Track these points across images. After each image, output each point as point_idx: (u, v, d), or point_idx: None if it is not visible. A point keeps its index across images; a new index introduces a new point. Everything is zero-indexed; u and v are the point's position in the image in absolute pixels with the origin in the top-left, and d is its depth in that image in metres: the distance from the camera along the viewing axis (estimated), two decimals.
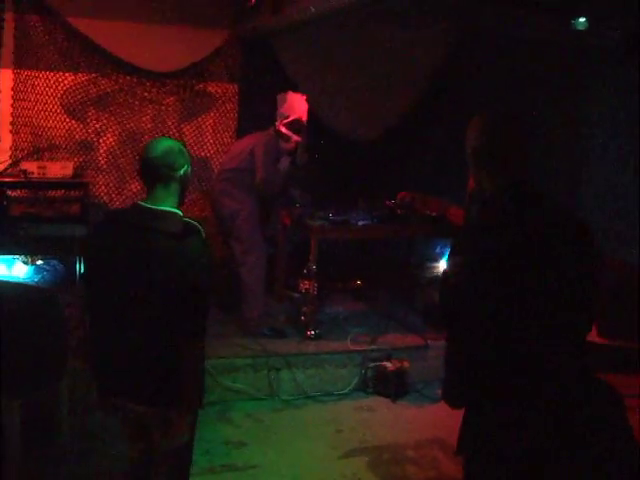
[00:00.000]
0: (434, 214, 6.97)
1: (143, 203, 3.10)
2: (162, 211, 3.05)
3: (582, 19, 7.54)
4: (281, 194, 6.78)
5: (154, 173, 3.09)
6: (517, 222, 2.47)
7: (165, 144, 3.15)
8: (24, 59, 6.61)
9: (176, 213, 3.09)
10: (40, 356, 4.46)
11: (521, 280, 2.40)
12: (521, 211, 2.50)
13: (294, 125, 6.36)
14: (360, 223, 6.64)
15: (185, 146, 3.28)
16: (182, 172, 3.14)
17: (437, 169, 8.41)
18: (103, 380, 3.22)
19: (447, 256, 2.55)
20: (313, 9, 6.05)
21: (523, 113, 8.27)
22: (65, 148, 6.83)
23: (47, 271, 6.63)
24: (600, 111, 8.49)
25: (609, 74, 8.22)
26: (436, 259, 8.53)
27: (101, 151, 7.06)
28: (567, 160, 8.68)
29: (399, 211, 6.90)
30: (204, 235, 3.11)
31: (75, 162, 6.62)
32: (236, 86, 7.52)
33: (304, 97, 6.57)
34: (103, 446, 4.77)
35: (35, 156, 6.63)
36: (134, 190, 7.14)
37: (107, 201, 7.07)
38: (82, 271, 5.63)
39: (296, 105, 6.47)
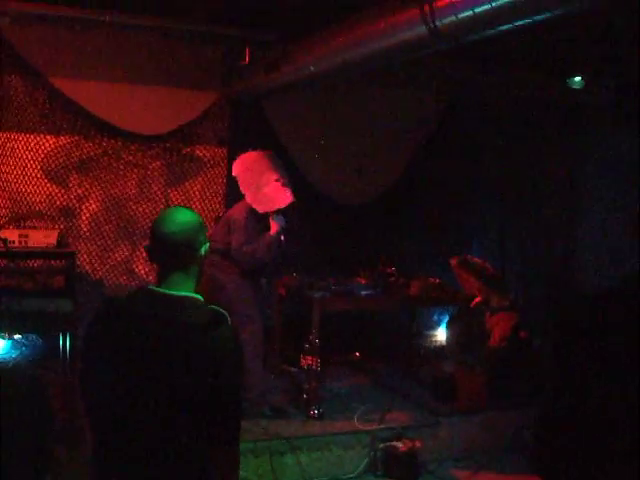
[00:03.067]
0: (437, 280, 6.71)
1: (156, 288, 2.53)
2: (182, 297, 2.50)
3: (577, 78, 7.46)
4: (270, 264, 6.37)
5: (172, 253, 2.53)
6: None
7: (184, 217, 2.57)
8: (3, 121, 6.29)
9: (199, 299, 2.53)
10: (22, 445, 4.01)
11: None
12: None
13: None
14: (363, 293, 6.28)
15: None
16: (203, 251, 2.59)
17: (433, 233, 8.17)
18: None
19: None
20: (312, 68, 5.76)
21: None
22: (46, 215, 6.43)
23: (25, 346, 6.18)
24: (597, 174, 8.29)
25: (606, 134, 8.04)
26: (434, 327, 8.25)
27: (83, 218, 6.68)
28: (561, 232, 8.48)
29: (402, 279, 6.56)
30: (230, 323, 2.51)
31: (59, 231, 6.18)
32: (225, 149, 7.23)
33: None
34: None
35: (15, 224, 6.20)
36: (118, 259, 6.77)
37: (90, 271, 6.66)
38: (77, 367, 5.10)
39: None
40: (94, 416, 2.54)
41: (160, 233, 2.52)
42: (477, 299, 6.68)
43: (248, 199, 5.85)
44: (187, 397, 2.36)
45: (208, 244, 2.62)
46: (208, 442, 2.41)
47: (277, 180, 6.01)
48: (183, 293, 2.50)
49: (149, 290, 2.54)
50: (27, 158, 6.43)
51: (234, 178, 6.03)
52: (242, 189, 5.90)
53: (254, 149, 6.14)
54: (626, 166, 7.34)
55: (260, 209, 5.84)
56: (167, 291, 2.49)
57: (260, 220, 5.90)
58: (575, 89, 7.56)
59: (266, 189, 5.94)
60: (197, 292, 2.56)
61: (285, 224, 5.92)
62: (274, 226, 5.88)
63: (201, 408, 2.36)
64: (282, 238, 5.97)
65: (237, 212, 5.95)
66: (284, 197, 5.97)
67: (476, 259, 7.09)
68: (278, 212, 5.90)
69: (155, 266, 2.67)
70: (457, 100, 7.91)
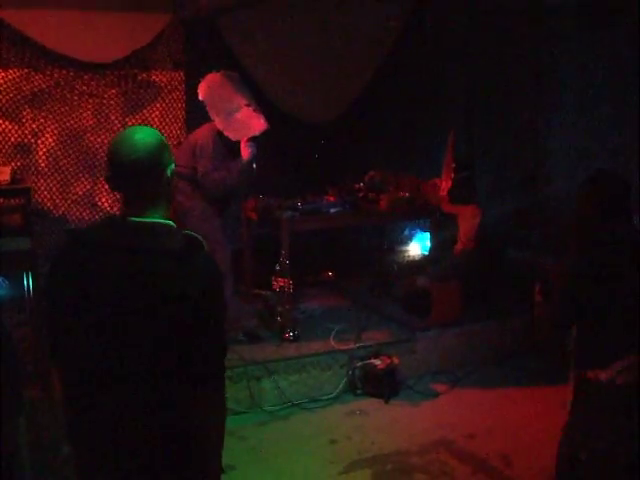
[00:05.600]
0: (407, 193, 6.55)
1: (125, 216, 2.30)
2: (153, 224, 2.28)
3: None
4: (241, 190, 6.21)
5: (135, 178, 2.28)
6: None
7: (144, 139, 2.29)
8: None
9: (171, 225, 2.32)
10: None
11: None
12: None
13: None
14: (332, 211, 6.16)
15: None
16: (169, 173, 2.35)
17: (399, 147, 8.02)
18: (87, 455, 2.35)
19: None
20: None
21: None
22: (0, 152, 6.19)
23: None
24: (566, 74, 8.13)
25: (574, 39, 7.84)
26: (406, 242, 8.15)
27: (40, 153, 6.42)
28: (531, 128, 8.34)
29: (370, 194, 6.43)
30: (206, 249, 2.32)
31: (12, 167, 5.95)
32: (182, 73, 6.95)
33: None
34: None
35: None
36: (80, 193, 6.57)
37: (51, 207, 6.46)
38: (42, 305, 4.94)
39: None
40: (64, 356, 2.36)
41: (119, 159, 2.27)
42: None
43: (219, 125, 5.66)
44: (165, 331, 2.17)
45: (174, 164, 2.39)
46: (191, 382, 2.23)
47: (248, 105, 5.84)
48: (153, 219, 2.29)
49: (116, 219, 2.35)
50: None
51: (200, 102, 5.81)
52: (211, 114, 5.69)
53: (217, 71, 5.93)
54: (595, 70, 7.18)
55: (233, 136, 5.66)
56: (135, 218, 2.27)
57: (227, 145, 5.73)
58: None
59: (238, 115, 5.76)
60: (167, 218, 2.35)
61: (256, 151, 5.76)
62: (246, 153, 5.72)
63: (181, 343, 2.19)
64: (254, 166, 5.82)
65: (203, 136, 5.76)
66: (258, 124, 5.80)
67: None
68: (250, 139, 5.74)
69: (119, 195, 2.49)
70: (421, 9, 7.66)
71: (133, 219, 2.27)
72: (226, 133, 5.64)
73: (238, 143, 5.75)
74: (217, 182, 5.62)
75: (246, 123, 5.77)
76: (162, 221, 2.30)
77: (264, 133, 5.82)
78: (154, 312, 2.16)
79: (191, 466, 2.27)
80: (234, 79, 6.00)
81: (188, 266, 2.19)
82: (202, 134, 5.80)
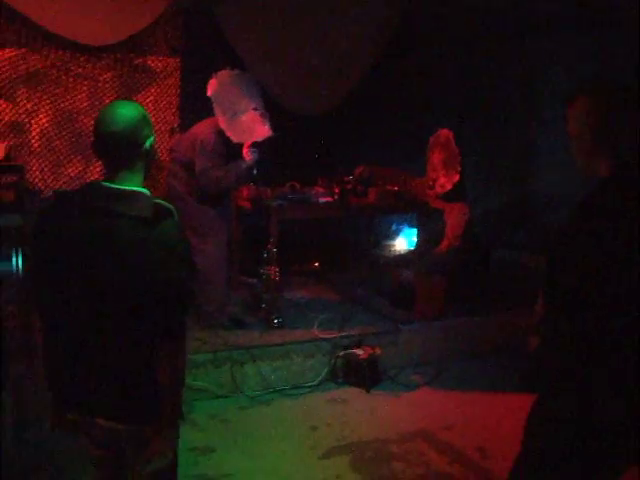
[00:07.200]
0: (395, 188, 6.62)
1: (104, 183, 2.55)
2: (127, 191, 2.52)
3: None
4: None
5: (116, 150, 2.54)
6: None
7: (126, 113, 2.55)
8: None
9: (144, 193, 2.55)
10: None
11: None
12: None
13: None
14: (321, 201, 6.22)
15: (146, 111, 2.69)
16: (148, 145, 2.59)
17: (389, 141, 8.08)
18: (61, 393, 2.66)
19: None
20: None
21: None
22: None
23: None
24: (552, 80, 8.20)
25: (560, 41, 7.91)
26: (393, 237, 8.23)
27: (34, 133, 6.44)
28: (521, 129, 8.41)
29: (359, 187, 6.50)
30: (177, 218, 2.56)
31: (7, 144, 5.98)
32: (178, 60, 6.96)
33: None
34: (55, 463, 4.23)
35: None
36: (71, 175, 6.59)
37: (42, 187, 6.48)
38: (27, 266, 5.03)
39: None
40: (44, 302, 2.63)
41: (102, 130, 2.54)
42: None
43: (222, 124, 5.62)
44: (131, 286, 2.43)
45: (153, 137, 2.64)
46: (153, 335, 2.49)
47: (255, 109, 5.83)
48: (129, 187, 2.53)
49: (97, 184, 2.60)
50: None
51: (198, 93, 5.83)
52: (216, 111, 5.66)
53: (231, 69, 5.93)
54: (584, 68, 7.25)
55: (234, 138, 5.65)
56: (111, 184, 2.53)
57: (228, 144, 5.70)
58: None
59: (243, 117, 5.75)
60: (143, 186, 2.60)
61: (258, 157, 5.77)
62: (249, 157, 5.70)
63: (144, 297, 2.44)
64: (254, 172, 5.84)
65: (204, 132, 5.72)
66: (262, 130, 5.79)
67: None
68: (253, 144, 5.75)
69: (102, 164, 2.68)
70: (416, 6, 7.70)
71: (109, 184, 2.53)
72: (228, 133, 5.62)
73: (239, 144, 5.73)
74: (213, 181, 5.60)
75: (250, 127, 5.76)
76: (135, 188, 2.55)
77: (267, 139, 5.81)
78: (120, 270, 2.43)
79: (146, 403, 2.56)
80: (246, 80, 5.99)
81: (154, 231, 2.43)
82: (204, 129, 5.75)
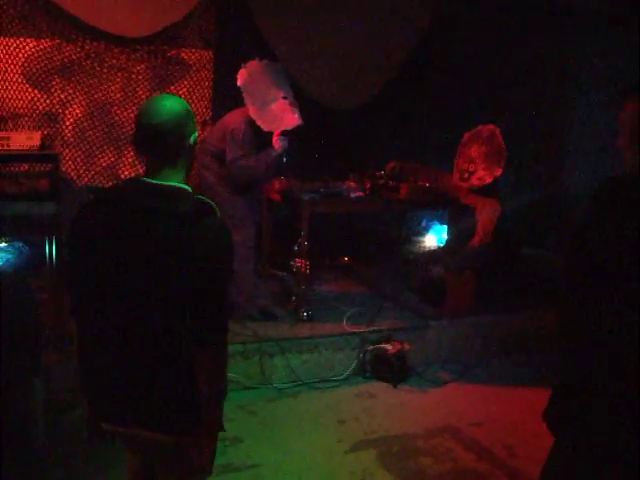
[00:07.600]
0: (426, 184, 6.60)
1: (145, 178, 2.45)
2: (170, 188, 2.41)
3: None
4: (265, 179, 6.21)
5: (159, 144, 2.42)
6: None
7: (170, 105, 2.43)
8: None
9: (186, 190, 2.46)
10: (13, 350, 4.00)
11: None
12: None
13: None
14: (353, 196, 6.21)
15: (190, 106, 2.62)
16: (192, 140, 2.50)
17: (422, 140, 8.06)
18: (98, 402, 2.58)
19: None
20: None
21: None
22: (29, 120, 6.27)
23: (11, 254, 6.13)
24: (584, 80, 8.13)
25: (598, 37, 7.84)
26: (423, 233, 8.22)
27: (67, 123, 6.50)
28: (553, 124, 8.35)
29: (391, 182, 6.48)
30: (219, 215, 2.47)
31: (41, 133, 6.02)
32: (211, 52, 7.00)
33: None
34: (83, 450, 4.26)
35: None
36: (103, 165, 6.65)
37: (75, 177, 6.54)
38: (64, 261, 5.04)
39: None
40: (82, 302, 2.52)
41: (145, 124, 2.43)
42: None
43: (252, 114, 5.63)
44: (173, 285, 2.33)
45: (197, 132, 2.55)
46: (194, 338, 2.39)
47: (285, 98, 5.84)
48: (171, 183, 2.44)
49: (138, 180, 2.48)
50: (7, 62, 6.19)
51: (231, 84, 5.83)
52: (246, 101, 5.67)
53: (260, 59, 5.95)
54: (618, 67, 7.20)
55: (264, 127, 5.66)
56: (155, 181, 2.43)
57: (258, 134, 5.72)
58: None
59: (273, 106, 5.76)
60: (185, 183, 2.50)
61: (288, 145, 5.79)
62: (278, 146, 5.72)
63: (186, 297, 2.33)
64: (284, 160, 5.85)
65: (235, 121, 5.73)
66: (292, 118, 5.81)
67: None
68: (283, 132, 5.77)
69: (143, 159, 2.63)
70: (448, 5, 7.68)
71: (150, 180, 2.43)
72: (258, 122, 5.63)
73: (269, 134, 5.75)
74: (244, 170, 5.63)
75: (279, 116, 5.77)
76: (177, 185, 2.44)
77: (297, 128, 5.82)
78: (159, 270, 2.33)
79: (186, 413, 2.46)
80: (275, 70, 6.00)
81: (195, 229, 2.33)
82: (235, 119, 5.76)
